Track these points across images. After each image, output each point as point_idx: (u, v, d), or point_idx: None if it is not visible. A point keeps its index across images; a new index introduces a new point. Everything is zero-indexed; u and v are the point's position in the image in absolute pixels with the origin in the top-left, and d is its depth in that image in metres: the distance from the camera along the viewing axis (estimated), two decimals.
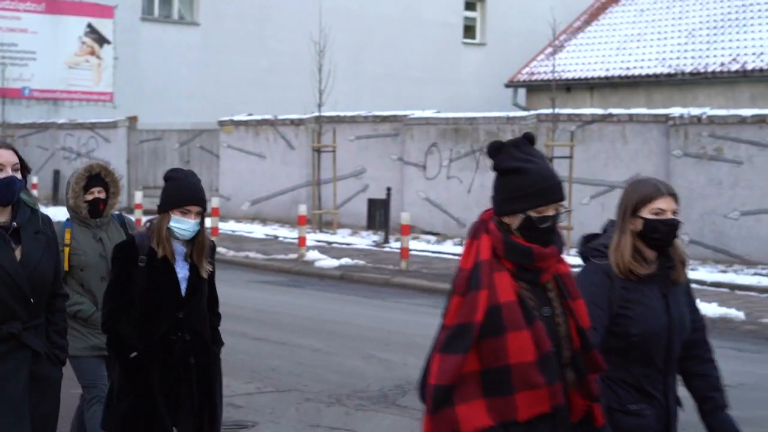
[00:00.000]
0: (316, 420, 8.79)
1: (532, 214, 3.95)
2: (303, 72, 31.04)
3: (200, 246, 5.81)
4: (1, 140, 5.13)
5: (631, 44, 32.11)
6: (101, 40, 34.98)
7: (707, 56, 29.49)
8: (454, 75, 41.16)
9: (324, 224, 26.27)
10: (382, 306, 15.96)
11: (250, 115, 30.17)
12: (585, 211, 22.29)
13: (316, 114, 26.79)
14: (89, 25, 34.75)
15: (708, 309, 15.19)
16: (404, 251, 19.61)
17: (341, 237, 24.76)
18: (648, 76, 30.31)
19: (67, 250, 6.87)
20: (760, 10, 30.19)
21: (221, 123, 29.88)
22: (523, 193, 3.95)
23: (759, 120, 19.98)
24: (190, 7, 36.78)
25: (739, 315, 14.92)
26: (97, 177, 7.02)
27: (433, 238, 24.51)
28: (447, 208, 24.81)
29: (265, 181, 28.44)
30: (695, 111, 21.16)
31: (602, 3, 35.34)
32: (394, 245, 22.65)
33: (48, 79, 34.31)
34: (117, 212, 7.26)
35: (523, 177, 3.96)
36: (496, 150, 4.03)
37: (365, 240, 24.27)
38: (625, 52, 31.93)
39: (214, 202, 24.88)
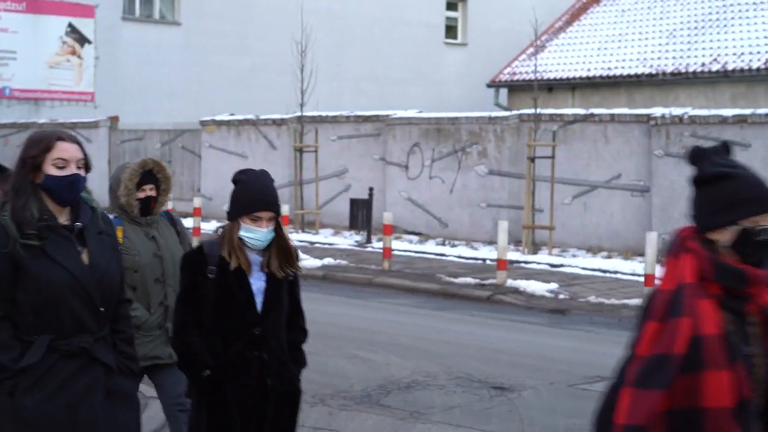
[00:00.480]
0: (299, 420, 8.77)
1: (747, 224, 3.46)
2: (285, 72, 31.00)
3: (279, 254, 5.23)
4: (67, 133, 4.66)
5: (613, 44, 32.20)
6: (82, 40, 34.85)
7: (688, 56, 29.59)
8: (435, 75, 41.18)
9: (306, 224, 26.26)
10: (365, 306, 15.96)
11: (231, 115, 30.14)
12: (567, 211, 22.34)
13: (298, 114, 26.78)
14: (70, 25, 34.62)
15: None
16: (387, 251, 19.62)
17: (324, 237, 24.75)
18: (629, 76, 30.38)
19: None
20: (740, 11, 30.31)
21: (203, 123, 29.83)
22: (737, 200, 3.47)
23: (740, 120, 20.07)
24: (172, 7, 36.69)
25: None
26: (150, 173, 6.61)
27: (415, 238, 24.53)
28: (429, 208, 24.83)
29: None
30: (677, 111, 21.24)
31: (583, 3, 35.43)
32: (377, 245, 22.65)
33: (29, 79, 34.16)
34: (164, 210, 6.86)
35: (734, 183, 3.50)
36: (698, 156, 3.59)
37: (348, 240, 24.27)
38: (606, 52, 32.01)
39: (195, 202, 24.86)
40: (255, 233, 5.13)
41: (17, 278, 4.34)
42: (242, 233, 5.14)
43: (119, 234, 6.21)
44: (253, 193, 5.18)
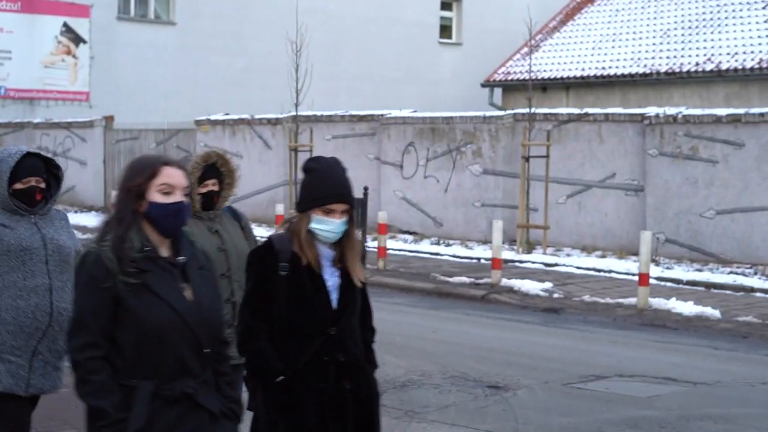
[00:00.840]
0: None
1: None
2: (280, 71, 31.00)
3: (352, 248, 4.82)
4: (173, 158, 4.38)
5: (607, 44, 32.24)
6: (77, 40, 34.84)
7: (682, 56, 29.63)
8: (430, 75, 41.19)
9: None
10: None
11: (226, 114, 30.14)
12: (561, 210, 22.38)
13: (293, 113, 26.77)
14: (65, 25, 34.59)
15: (684, 308, 15.31)
16: (381, 250, 19.65)
17: None
18: (623, 75, 30.42)
19: None
20: (734, 11, 30.36)
21: (198, 122, 29.83)
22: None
23: (734, 119, 20.10)
24: (167, 7, 36.67)
25: (715, 313, 15.02)
26: (213, 167, 6.33)
27: (410, 237, 24.56)
28: (424, 208, 24.86)
29: (242, 180, 28.25)
30: (671, 110, 21.28)
31: (578, 3, 35.46)
32: (371, 244, 22.63)
33: (24, 79, 34.14)
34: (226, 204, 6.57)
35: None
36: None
37: None
38: (600, 51, 32.05)
39: None
40: (328, 224, 4.71)
41: (117, 315, 4.07)
42: (313, 225, 4.73)
43: None
44: (326, 184, 4.74)
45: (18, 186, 5.73)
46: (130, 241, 4.11)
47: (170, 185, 4.17)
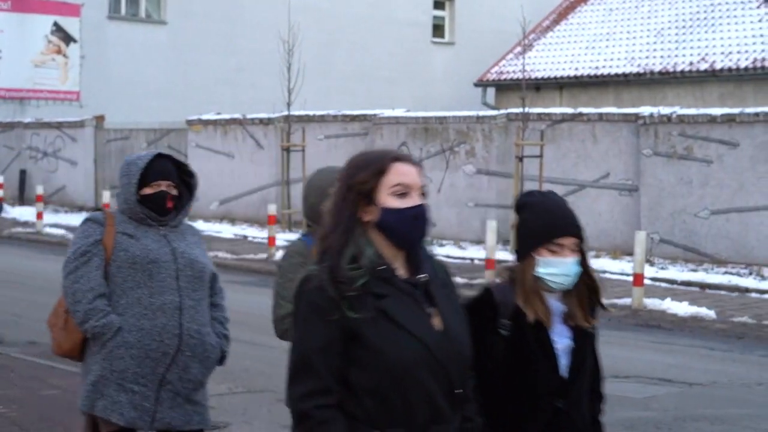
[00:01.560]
0: (288, 421, 8.66)
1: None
2: (272, 71, 30.88)
3: (585, 297, 3.94)
4: (402, 152, 3.63)
5: (600, 43, 32.17)
6: (68, 39, 34.69)
7: (676, 56, 29.58)
8: (423, 74, 41.12)
9: (293, 224, 26.15)
10: None
11: (218, 114, 30.03)
12: None
13: (285, 113, 26.66)
14: (55, 24, 34.45)
15: (679, 308, 15.24)
16: None
17: None
18: (617, 75, 30.37)
19: None
20: (728, 10, 30.31)
21: (189, 122, 29.70)
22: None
23: (728, 119, 20.03)
24: (158, 6, 36.54)
25: (710, 314, 14.95)
26: None
27: None
28: None
29: (234, 180, 28.29)
30: (665, 110, 21.20)
31: (571, 2, 35.39)
32: None
33: (14, 78, 33.98)
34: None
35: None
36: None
37: None
38: (594, 51, 31.99)
39: None
40: (558, 267, 3.84)
41: (350, 352, 3.33)
42: (541, 270, 3.85)
43: (314, 255, 5.23)
44: (549, 216, 3.91)
45: (146, 191, 5.12)
46: (365, 256, 3.36)
47: (405, 185, 3.43)
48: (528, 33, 29.49)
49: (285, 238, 23.56)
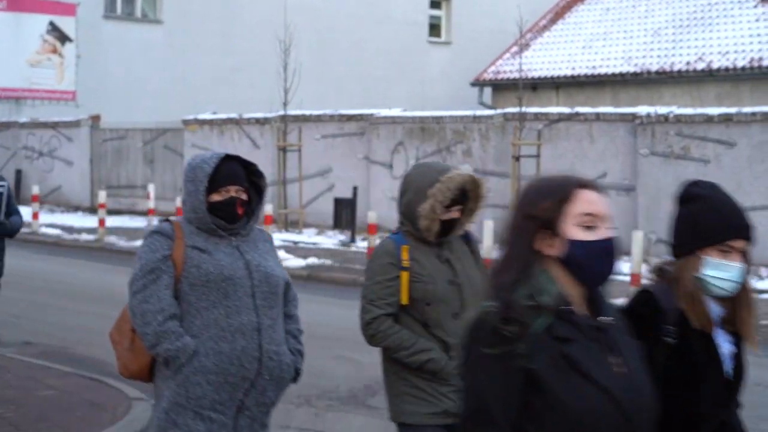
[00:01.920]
0: (285, 421, 8.64)
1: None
2: (268, 70, 30.85)
3: (748, 304, 3.62)
4: (586, 178, 3.18)
5: (597, 43, 32.14)
6: (63, 38, 34.60)
7: (673, 55, 29.55)
8: (419, 74, 41.09)
9: (290, 224, 26.11)
10: (350, 306, 15.73)
11: (214, 113, 29.97)
12: None
13: (282, 113, 26.63)
14: (51, 23, 34.36)
15: None
16: (371, 250, 19.47)
17: (307, 236, 24.62)
18: (614, 75, 30.34)
19: (406, 275, 4.98)
20: (725, 10, 30.29)
21: (185, 122, 29.65)
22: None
23: (725, 119, 20.01)
24: (154, 5, 36.48)
25: None
26: (463, 192, 5.06)
27: None
28: None
29: None
30: (662, 110, 21.19)
31: (568, 1, 35.34)
32: (361, 245, 22.54)
33: (9, 78, 33.89)
34: None
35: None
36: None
37: (332, 239, 24.14)
38: (590, 50, 31.95)
39: (178, 202, 24.66)
40: (727, 270, 3.51)
41: (529, 403, 2.97)
42: (708, 272, 3.53)
43: (405, 255, 5.01)
44: (724, 213, 3.57)
45: (215, 198, 4.70)
46: (547, 293, 3.01)
47: (594, 215, 3.07)
48: (525, 32, 29.49)
49: (282, 238, 23.53)
